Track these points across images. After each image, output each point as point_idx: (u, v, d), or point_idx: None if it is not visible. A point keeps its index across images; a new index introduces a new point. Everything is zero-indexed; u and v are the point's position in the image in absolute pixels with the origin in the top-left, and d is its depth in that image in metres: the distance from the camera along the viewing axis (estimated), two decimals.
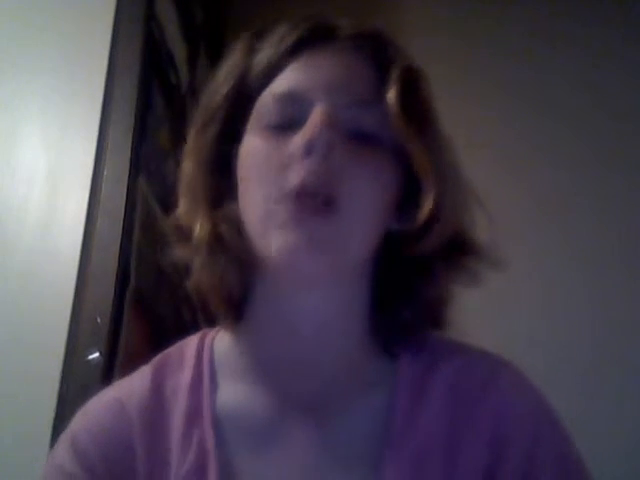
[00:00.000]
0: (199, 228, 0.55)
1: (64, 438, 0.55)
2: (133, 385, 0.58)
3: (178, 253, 0.58)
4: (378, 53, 0.57)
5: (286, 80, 0.54)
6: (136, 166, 1.08)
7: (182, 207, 0.58)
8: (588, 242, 1.73)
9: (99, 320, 0.97)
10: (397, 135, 0.52)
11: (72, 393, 0.92)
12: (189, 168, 0.58)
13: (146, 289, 1.13)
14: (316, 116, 0.50)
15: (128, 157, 1.07)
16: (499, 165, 1.80)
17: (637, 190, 1.77)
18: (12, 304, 0.98)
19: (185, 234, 0.57)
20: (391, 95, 0.53)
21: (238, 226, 0.54)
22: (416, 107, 0.54)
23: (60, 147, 1.06)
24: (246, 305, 0.58)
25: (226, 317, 0.59)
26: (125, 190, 1.05)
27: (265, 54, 0.56)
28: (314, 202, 0.49)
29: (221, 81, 0.58)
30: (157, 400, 0.56)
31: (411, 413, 0.54)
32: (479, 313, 1.64)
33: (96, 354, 0.95)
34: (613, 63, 1.85)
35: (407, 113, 0.52)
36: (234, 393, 0.56)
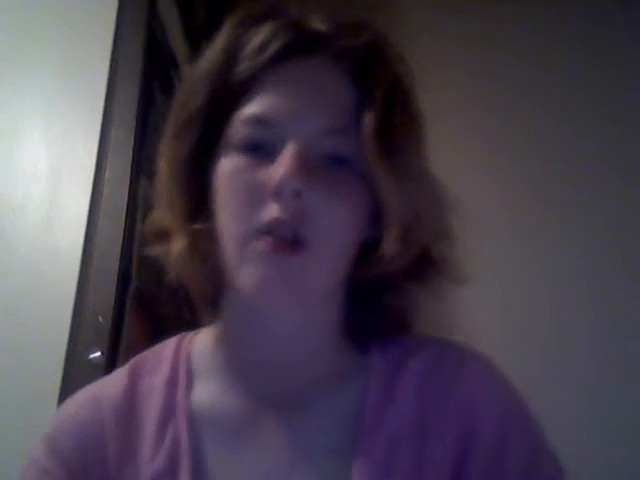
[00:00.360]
0: (176, 242, 0.56)
1: (42, 435, 0.57)
2: (109, 384, 0.59)
3: (156, 252, 0.59)
4: (361, 70, 0.55)
5: (261, 102, 0.53)
6: (138, 166, 1.09)
7: (159, 216, 0.59)
8: (591, 244, 1.72)
9: (100, 319, 0.98)
10: (369, 166, 0.52)
11: (73, 392, 0.91)
12: (165, 177, 0.58)
13: (147, 289, 1.14)
14: (286, 157, 0.50)
15: (130, 157, 1.07)
16: (502, 165, 1.80)
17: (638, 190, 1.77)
18: (14, 303, 0.98)
19: (162, 236, 0.58)
20: (367, 127, 0.52)
21: (214, 238, 0.55)
22: (391, 137, 0.52)
23: (62, 147, 1.07)
24: (221, 304, 0.60)
25: (203, 312, 0.61)
26: (127, 190, 1.05)
27: (243, 66, 0.54)
28: (284, 240, 0.50)
29: (199, 84, 0.56)
30: (131, 399, 0.57)
31: (381, 407, 0.55)
32: (480, 316, 1.65)
33: (98, 353, 0.96)
34: (613, 63, 1.85)
35: (382, 145, 0.52)
36: (209, 392, 0.58)
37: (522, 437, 0.54)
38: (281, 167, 0.50)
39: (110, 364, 0.97)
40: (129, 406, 0.57)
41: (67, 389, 0.93)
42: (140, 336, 1.11)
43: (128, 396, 0.57)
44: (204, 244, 0.56)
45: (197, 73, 0.57)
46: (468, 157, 1.78)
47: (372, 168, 0.52)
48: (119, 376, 0.60)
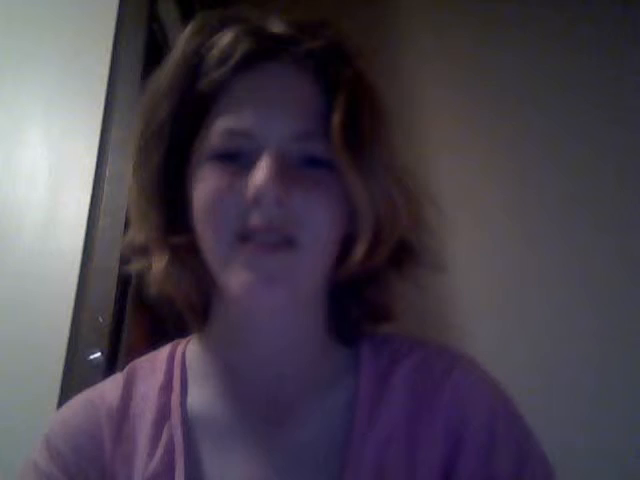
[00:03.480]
0: (157, 258, 0.56)
1: (40, 439, 0.57)
2: (105, 389, 0.60)
3: (137, 266, 0.59)
4: (325, 72, 0.55)
5: (231, 114, 0.53)
6: None
7: (136, 232, 0.58)
8: (589, 247, 1.72)
9: (101, 320, 0.98)
10: (338, 164, 0.53)
11: (74, 392, 0.91)
12: (136, 193, 0.57)
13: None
14: (263, 166, 0.50)
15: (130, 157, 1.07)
16: (500, 163, 1.80)
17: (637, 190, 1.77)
18: (14, 303, 0.98)
19: (140, 252, 0.58)
20: (334, 126, 0.52)
21: (196, 249, 0.55)
22: (357, 133, 0.53)
23: (62, 147, 1.07)
24: (210, 311, 0.60)
25: (191, 321, 0.61)
26: (127, 190, 1.05)
27: (208, 78, 0.54)
28: (272, 242, 0.50)
29: (162, 97, 0.55)
30: (127, 404, 0.58)
31: (371, 410, 0.55)
32: (477, 314, 1.65)
33: (97, 353, 0.96)
34: (614, 64, 1.85)
35: (348, 144, 0.52)
36: (203, 397, 0.58)
37: (510, 438, 0.54)
38: (259, 175, 0.50)
39: (110, 364, 0.97)
40: (125, 410, 0.58)
41: (67, 389, 0.93)
42: (140, 336, 1.11)
43: (124, 401, 0.58)
44: (186, 257, 0.56)
45: (159, 86, 0.56)
46: (466, 156, 1.78)
47: (340, 166, 0.52)
48: (115, 382, 0.60)
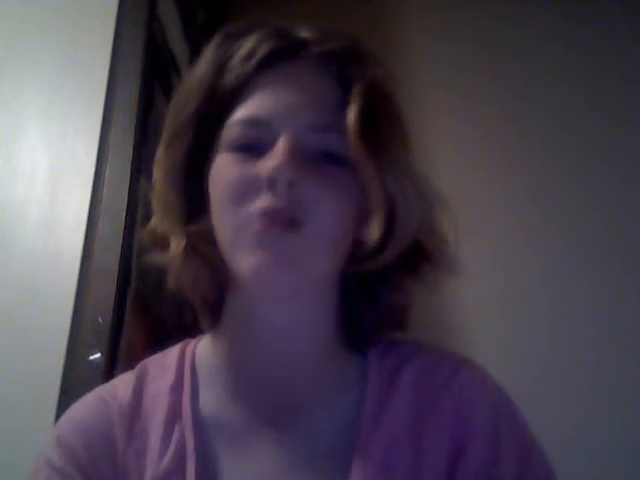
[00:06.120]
0: (174, 244, 0.58)
1: (51, 436, 0.57)
2: (117, 389, 0.60)
3: (156, 259, 0.61)
4: (342, 71, 0.57)
5: (251, 105, 0.56)
6: (138, 166, 1.08)
7: (157, 221, 0.60)
8: (592, 245, 1.72)
9: (100, 320, 0.97)
10: (354, 158, 0.54)
11: (73, 393, 0.91)
12: (160, 184, 0.60)
13: (147, 289, 1.13)
14: (279, 149, 0.52)
15: (130, 157, 1.07)
16: (504, 166, 1.80)
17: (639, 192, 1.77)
18: (13, 304, 0.98)
19: (161, 243, 0.60)
20: (349, 119, 0.54)
21: (212, 240, 0.57)
22: (374, 130, 0.54)
23: (62, 147, 1.06)
24: (223, 309, 0.61)
25: (204, 319, 0.62)
26: (127, 190, 1.05)
27: (233, 74, 0.57)
28: (279, 223, 0.51)
29: (190, 94, 0.59)
30: (138, 403, 0.58)
31: (378, 413, 0.56)
32: (478, 317, 1.65)
33: (97, 354, 0.95)
34: (614, 65, 1.85)
35: (364, 138, 0.53)
36: (213, 398, 0.59)
37: (512, 440, 0.55)
38: (275, 157, 0.52)
39: (110, 365, 0.96)
40: (136, 409, 0.58)
41: (67, 390, 0.93)
42: (140, 337, 1.11)
43: (135, 399, 0.59)
44: (202, 244, 0.57)
45: (188, 83, 0.60)
46: (466, 157, 1.78)
47: (356, 161, 0.54)
48: (126, 380, 0.61)
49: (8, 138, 1.06)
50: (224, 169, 0.55)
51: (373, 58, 0.60)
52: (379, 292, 0.60)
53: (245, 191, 0.53)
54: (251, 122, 0.55)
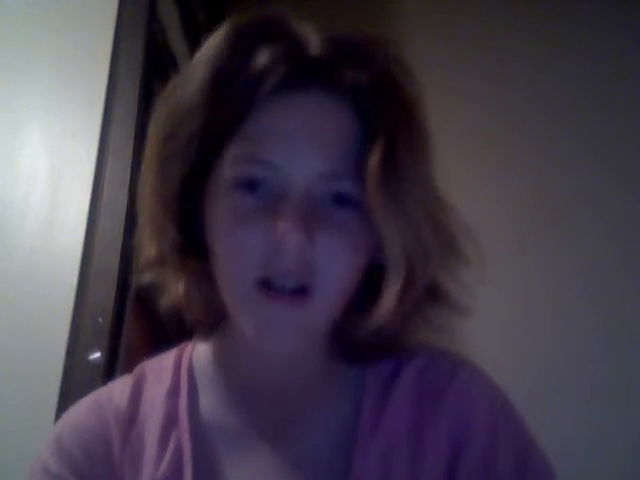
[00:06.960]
0: (175, 282, 0.56)
1: (48, 440, 0.56)
2: (113, 392, 0.59)
3: (149, 277, 0.58)
4: (367, 106, 0.51)
5: (260, 140, 0.50)
6: (138, 166, 1.08)
7: (151, 246, 0.56)
8: (591, 249, 1.72)
9: (100, 320, 0.97)
10: (372, 210, 0.49)
11: (73, 393, 0.92)
12: (154, 207, 0.54)
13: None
14: (289, 209, 0.47)
15: (130, 157, 1.07)
16: (504, 171, 1.80)
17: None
18: (13, 304, 0.98)
19: (155, 265, 0.57)
20: (371, 166, 0.48)
21: (213, 281, 0.53)
22: (396, 174, 0.49)
23: (62, 147, 1.06)
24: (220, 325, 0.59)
25: (200, 333, 0.61)
26: (127, 190, 1.05)
27: (241, 91, 0.50)
28: (284, 291, 0.49)
29: (190, 104, 0.51)
30: (135, 407, 0.58)
31: (376, 415, 0.56)
32: (482, 321, 1.65)
33: (97, 354, 0.95)
34: (615, 65, 1.85)
35: (384, 186, 0.48)
36: (210, 403, 0.58)
37: (511, 439, 0.55)
38: (284, 218, 0.47)
39: (110, 365, 0.96)
40: (133, 413, 0.57)
41: (67, 390, 0.93)
42: (140, 337, 1.11)
43: (132, 404, 0.58)
44: (203, 284, 0.55)
45: (187, 96, 0.52)
46: (466, 161, 1.77)
47: (373, 209, 0.49)
48: (123, 384, 0.60)
49: (8, 138, 1.06)
50: (230, 215, 0.50)
51: (403, 79, 0.52)
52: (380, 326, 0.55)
53: (253, 255, 0.49)
54: (259, 162, 0.49)
